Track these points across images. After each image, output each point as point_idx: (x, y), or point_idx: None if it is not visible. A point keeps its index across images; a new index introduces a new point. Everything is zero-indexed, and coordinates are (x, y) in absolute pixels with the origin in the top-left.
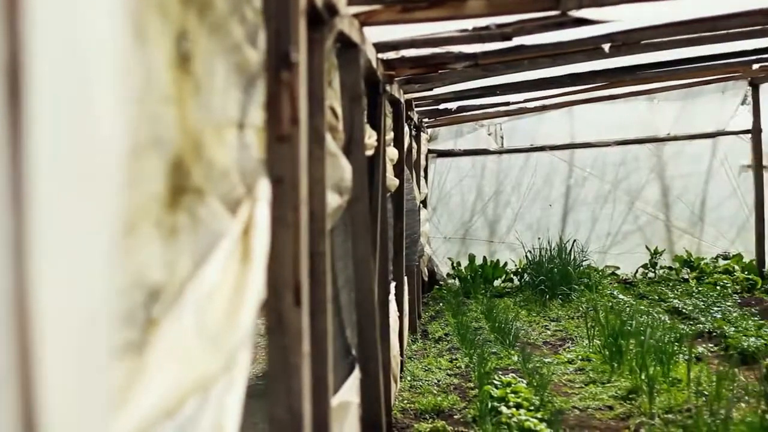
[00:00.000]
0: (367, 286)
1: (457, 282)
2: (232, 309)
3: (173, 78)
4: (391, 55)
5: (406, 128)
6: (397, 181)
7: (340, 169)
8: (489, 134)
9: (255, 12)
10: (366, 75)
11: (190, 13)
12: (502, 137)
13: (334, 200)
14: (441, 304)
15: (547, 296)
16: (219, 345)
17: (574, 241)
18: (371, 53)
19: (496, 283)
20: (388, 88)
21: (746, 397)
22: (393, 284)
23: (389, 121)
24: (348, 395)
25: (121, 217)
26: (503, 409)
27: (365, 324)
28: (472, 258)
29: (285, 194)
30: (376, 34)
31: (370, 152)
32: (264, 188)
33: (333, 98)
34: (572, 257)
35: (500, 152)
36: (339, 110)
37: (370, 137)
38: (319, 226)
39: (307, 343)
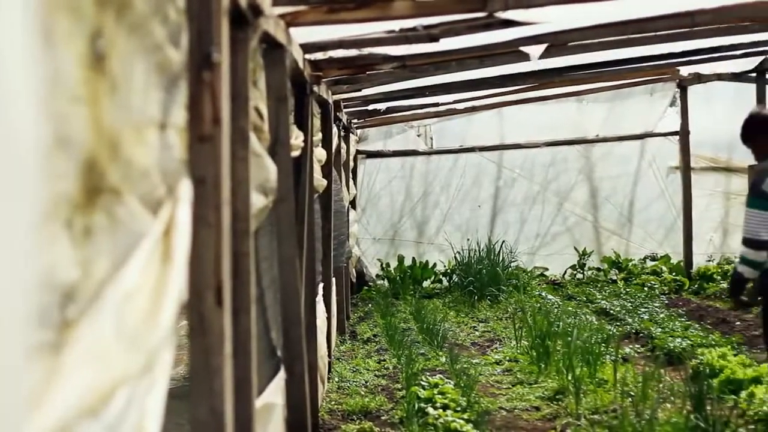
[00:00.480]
0: (293, 286)
1: (386, 283)
2: (152, 310)
3: (85, 77)
4: (318, 55)
5: (335, 129)
6: (325, 182)
7: (265, 170)
8: (418, 135)
9: (178, 12)
10: (292, 76)
11: (107, 12)
12: (431, 138)
13: (258, 201)
14: (370, 305)
15: (476, 297)
16: (139, 346)
17: (503, 242)
18: (298, 54)
19: (425, 284)
20: (315, 88)
21: (672, 398)
22: (321, 285)
23: (317, 122)
24: (273, 396)
25: (29, 216)
26: (430, 410)
27: (291, 325)
28: (401, 259)
29: (207, 194)
30: (303, 34)
31: (296, 153)
32: (186, 188)
33: (258, 99)
34: (501, 258)
35: (429, 153)
36: (264, 111)
37: (297, 138)
38: (242, 226)
39: (229, 344)
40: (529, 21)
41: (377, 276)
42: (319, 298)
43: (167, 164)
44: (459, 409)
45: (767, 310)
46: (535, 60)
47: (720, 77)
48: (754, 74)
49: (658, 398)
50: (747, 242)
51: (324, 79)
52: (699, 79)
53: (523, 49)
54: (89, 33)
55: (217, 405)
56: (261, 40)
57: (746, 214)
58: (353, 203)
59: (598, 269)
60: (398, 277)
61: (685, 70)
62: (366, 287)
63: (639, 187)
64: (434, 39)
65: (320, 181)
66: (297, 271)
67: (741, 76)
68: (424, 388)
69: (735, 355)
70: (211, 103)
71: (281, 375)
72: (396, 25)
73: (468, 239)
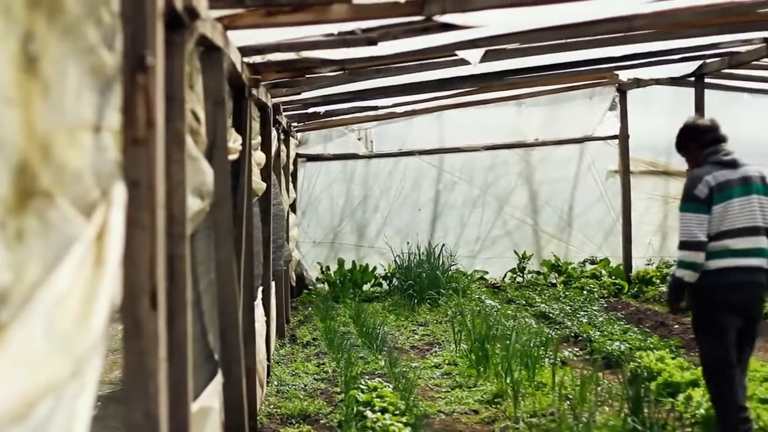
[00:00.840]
0: (230, 290)
1: (326, 286)
2: (84, 313)
3: (17, 80)
4: (257, 59)
5: (274, 132)
6: (264, 185)
7: (202, 173)
8: (359, 139)
9: (112, 14)
10: (231, 79)
11: (39, 14)
12: (371, 142)
13: (195, 204)
14: (310, 309)
15: (416, 301)
16: (69, 350)
17: (443, 245)
18: (236, 57)
19: (366, 287)
20: (254, 92)
21: (610, 401)
22: (260, 289)
23: (256, 125)
24: (210, 400)
25: None
26: (369, 413)
27: (228, 328)
28: (341, 262)
29: (141, 197)
30: (241, 37)
31: (234, 156)
32: (120, 192)
33: (195, 102)
34: (441, 262)
35: (369, 157)
36: (201, 114)
37: (235, 141)
38: (178, 229)
39: (164, 347)
40: (467, 25)
41: (317, 279)
42: (258, 302)
43: (101, 167)
44: (397, 412)
45: (695, 319)
46: (475, 64)
47: (659, 81)
48: (692, 78)
49: (596, 401)
50: (685, 245)
51: (263, 83)
52: (638, 83)
53: (462, 53)
54: (21, 35)
55: (152, 408)
56: (198, 43)
57: (681, 218)
58: (293, 207)
59: (538, 273)
60: (338, 281)
61: (624, 75)
62: (306, 291)
63: (578, 190)
64: (372, 42)
65: (259, 185)
66: (234, 274)
67: (679, 80)
68: (362, 392)
69: (673, 359)
70: (145, 106)
71: (218, 378)
72: (334, 28)
73: (408, 243)
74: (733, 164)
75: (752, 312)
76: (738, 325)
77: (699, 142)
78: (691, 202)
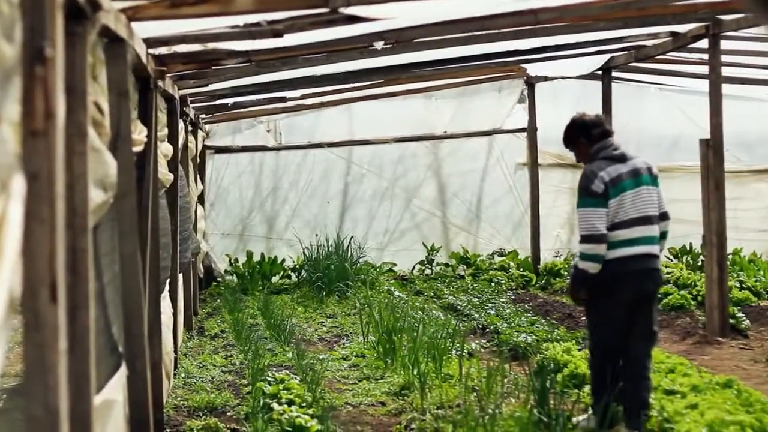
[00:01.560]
0: (135, 282)
1: (234, 278)
2: None
3: None
4: (162, 50)
5: (182, 124)
6: (171, 177)
7: (105, 165)
8: (268, 131)
9: (11, 5)
10: (135, 70)
11: None
12: (280, 134)
13: (98, 196)
14: (218, 301)
15: (324, 293)
16: None
17: (352, 237)
18: (141, 49)
19: (274, 279)
20: (160, 83)
21: (516, 392)
22: (167, 281)
23: (163, 117)
24: (113, 393)
25: None
26: (275, 405)
27: (132, 320)
28: (249, 254)
29: (41, 190)
30: (147, 29)
31: (139, 148)
32: (19, 184)
33: (99, 93)
34: (350, 254)
35: (278, 149)
36: (105, 105)
37: (140, 133)
38: (81, 222)
39: (64, 340)
40: (373, 17)
41: (226, 271)
42: (165, 294)
43: (0, 159)
44: (304, 404)
45: (591, 305)
46: (379, 48)
47: (566, 75)
48: (600, 72)
49: (502, 393)
50: (588, 238)
51: (169, 74)
52: (546, 76)
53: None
54: None
55: (52, 402)
56: (101, 35)
57: (581, 213)
58: (201, 198)
59: (447, 265)
60: (247, 273)
61: (532, 68)
62: (215, 283)
63: (487, 183)
64: (278, 34)
65: (166, 176)
66: (139, 266)
67: (587, 74)
68: (270, 384)
69: (579, 350)
70: (44, 98)
71: (122, 371)
72: (240, 20)
73: (317, 235)
74: (623, 158)
75: (648, 298)
76: (633, 312)
77: (588, 137)
78: (589, 197)
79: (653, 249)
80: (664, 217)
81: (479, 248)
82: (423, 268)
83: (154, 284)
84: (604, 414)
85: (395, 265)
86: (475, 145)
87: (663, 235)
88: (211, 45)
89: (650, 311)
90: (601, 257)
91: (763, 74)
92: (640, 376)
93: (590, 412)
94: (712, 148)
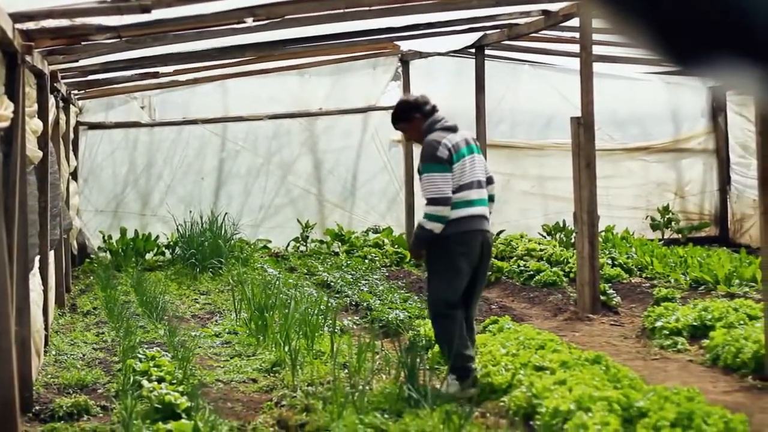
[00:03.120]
0: (0, 259)
1: (108, 255)
2: None
3: None
4: (30, 25)
5: (52, 100)
6: (40, 154)
7: None
8: (142, 107)
9: None
10: (2, 45)
11: None
12: (154, 110)
13: None
14: (92, 278)
15: (198, 270)
16: None
17: (226, 214)
18: (6, 23)
19: (148, 256)
20: (28, 58)
21: (387, 369)
22: (37, 258)
23: (33, 93)
24: None
25: None
26: (145, 382)
27: None
28: (123, 231)
29: None
30: (14, 3)
31: (5, 124)
32: None
33: None
34: (224, 231)
35: (152, 125)
36: None
37: (7, 108)
38: None
39: None
40: None
41: (99, 248)
42: (35, 271)
43: None
44: (175, 381)
45: (435, 266)
46: (250, 24)
47: (439, 51)
48: (473, 50)
49: (372, 369)
50: (435, 201)
51: (37, 50)
52: (420, 54)
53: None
54: None
55: None
56: None
57: (428, 178)
58: (74, 175)
59: (322, 242)
60: (120, 250)
61: (405, 45)
62: (88, 260)
63: (362, 160)
64: (146, 10)
65: (35, 153)
66: (3, 243)
67: (461, 51)
68: (140, 361)
69: None
70: None
71: None
72: None
73: (191, 211)
74: (455, 128)
75: (486, 255)
76: (470, 268)
77: (422, 112)
78: (434, 163)
79: (486, 210)
80: (490, 181)
81: (354, 225)
82: (298, 245)
83: (22, 261)
84: (466, 371)
85: (270, 242)
86: (350, 122)
87: (491, 198)
88: (79, 20)
89: (486, 268)
90: (446, 218)
91: (634, 53)
92: (472, 330)
93: (451, 376)
94: (583, 126)
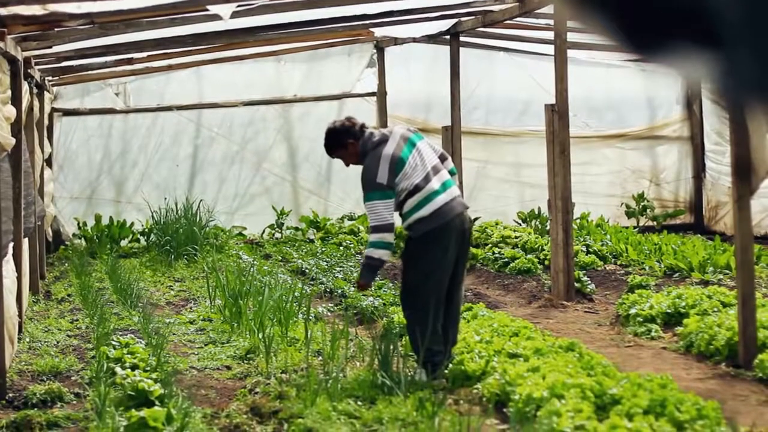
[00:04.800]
0: None
1: (83, 242)
2: None
3: None
4: (2, 11)
5: (26, 86)
6: (13, 141)
7: None
8: (116, 94)
9: None
10: None
11: None
12: (129, 96)
13: None
14: (66, 265)
15: (173, 257)
16: None
17: (201, 201)
18: None
19: (123, 243)
20: (1, 44)
21: (361, 356)
22: (10, 245)
23: (6, 79)
24: None
25: None
26: (119, 370)
27: None
28: (98, 218)
29: None
30: None
31: None
32: None
33: None
34: (199, 218)
35: (127, 112)
36: None
37: None
38: None
39: None
40: None
41: (74, 235)
42: (9, 259)
43: None
44: (148, 368)
45: (414, 261)
46: (226, 18)
47: (415, 39)
48: (447, 36)
49: (346, 356)
50: (379, 228)
51: (10, 36)
52: (395, 40)
53: (213, 8)
54: None
55: None
56: None
57: (369, 206)
58: (49, 161)
59: (297, 229)
60: (95, 236)
61: (380, 32)
62: (63, 246)
63: None
64: None
65: (8, 140)
66: None
67: (436, 38)
68: (114, 348)
69: None
70: None
71: None
72: None
73: (166, 198)
74: (386, 138)
75: (467, 238)
76: (451, 261)
77: (354, 136)
78: (375, 190)
79: (454, 190)
80: (443, 157)
81: (329, 212)
82: (273, 231)
83: None
84: (435, 366)
85: (245, 229)
86: (326, 108)
87: (452, 172)
88: (51, 6)
89: (468, 251)
90: (392, 244)
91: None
92: (457, 319)
93: (423, 370)
94: (558, 114)
